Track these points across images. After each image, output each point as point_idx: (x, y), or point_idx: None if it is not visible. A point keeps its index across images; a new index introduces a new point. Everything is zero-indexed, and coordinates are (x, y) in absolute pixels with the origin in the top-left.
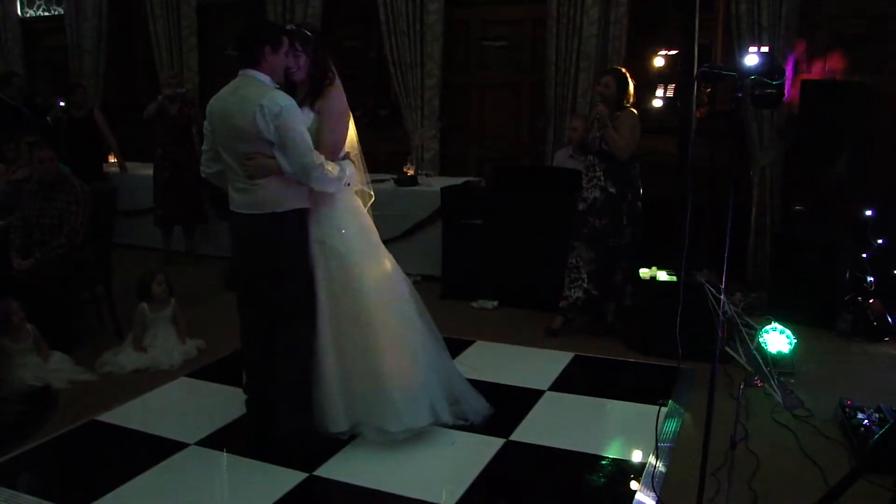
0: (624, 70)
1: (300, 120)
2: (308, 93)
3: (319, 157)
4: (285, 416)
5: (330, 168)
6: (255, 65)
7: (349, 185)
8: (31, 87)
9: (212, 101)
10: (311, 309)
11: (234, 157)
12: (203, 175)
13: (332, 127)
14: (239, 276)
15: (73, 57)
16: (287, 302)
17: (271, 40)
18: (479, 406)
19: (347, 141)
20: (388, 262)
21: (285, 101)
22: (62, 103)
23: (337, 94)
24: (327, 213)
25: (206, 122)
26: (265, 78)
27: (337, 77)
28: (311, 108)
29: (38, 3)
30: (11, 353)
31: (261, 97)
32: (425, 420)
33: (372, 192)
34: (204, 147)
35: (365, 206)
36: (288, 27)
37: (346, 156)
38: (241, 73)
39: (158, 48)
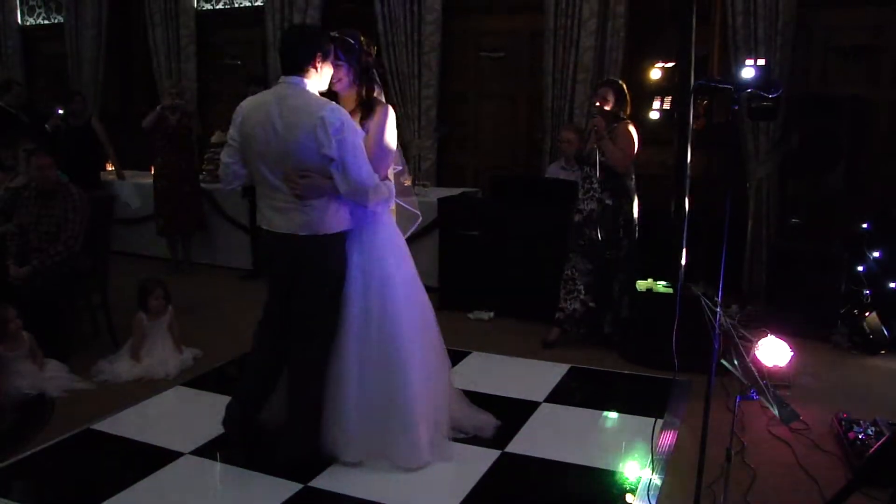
0: (621, 82)
1: (360, 136)
2: (357, 108)
3: (376, 177)
4: (294, 441)
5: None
6: (303, 73)
7: (390, 206)
8: (30, 94)
9: (246, 110)
10: (333, 333)
11: (277, 173)
12: (225, 189)
13: (381, 147)
14: (272, 293)
15: (72, 65)
16: (317, 324)
17: (323, 47)
18: (483, 422)
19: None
20: (422, 292)
21: (345, 114)
22: (60, 111)
23: (387, 112)
24: (371, 239)
25: (232, 133)
26: (313, 88)
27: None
28: (360, 124)
29: (38, 11)
30: (7, 361)
31: (320, 109)
32: (438, 455)
33: (419, 213)
34: (227, 160)
35: (408, 227)
36: (331, 34)
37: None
38: (284, 81)
39: (157, 56)
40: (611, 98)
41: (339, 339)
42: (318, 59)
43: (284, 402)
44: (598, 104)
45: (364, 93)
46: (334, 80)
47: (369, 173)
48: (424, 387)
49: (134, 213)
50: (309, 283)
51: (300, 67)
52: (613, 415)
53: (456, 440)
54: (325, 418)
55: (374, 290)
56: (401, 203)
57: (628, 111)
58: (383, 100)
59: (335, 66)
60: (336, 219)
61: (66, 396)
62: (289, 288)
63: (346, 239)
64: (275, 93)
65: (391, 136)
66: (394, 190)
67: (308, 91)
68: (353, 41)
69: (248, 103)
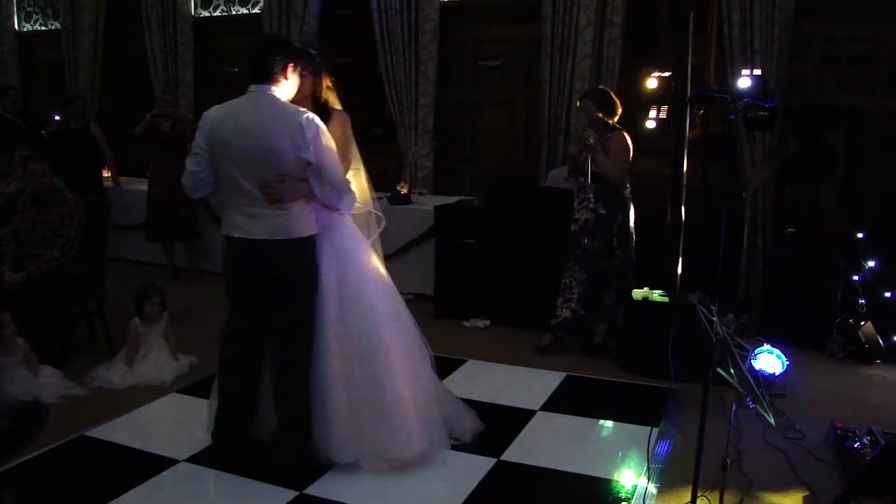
0: (603, 88)
1: (331, 140)
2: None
3: (348, 180)
4: (288, 448)
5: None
6: (273, 82)
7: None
8: (26, 100)
9: (215, 117)
10: (313, 335)
11: (252, 179)
12: (193, 198)
13: (345, 150)
14: (241, 304)
15: (69, 71)
16: (296, 329)
17: (293, 58)
18: (469, 424)
19: (354, 164)
20: (392, 286)
21: (319, 120)
22: (57, 117)
23: (343, 119)
24: (339, 241)
25: (199, 140)
26: (282, 96)
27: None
28: None
29: (35, 17)
30: (1, 367)
31: (297, 115)
32: (427, 446)
33: (382, 216)
34: (194, 168)
35: (373, 231)
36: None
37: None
38: (255, 89)
39: (154, 63)
40: (594, 109)
41: (320, 340)
42: (289, 69)
43: (268, 410)
44: (585, 118)
45: (321, 103)
46: (296, 90)
47: (342, 176)
48: (410, 377)
49: (130, 220)
50: (288, 288)
51: (273, 76)
52: (609, 423)
53: (451, 448)
54: (314, 421)
55: (348, 289)
56: (361, 206)
57: (617, 116)
58: (341, 110)
59: (302, 77)
60: (308, 222)
61: (60, 403)
62: (261, 296)
63: (315, 242)
64: (248, 100)
65: (347, 142)
66: (355, 193)
67: (280, 99)
68: (314, 53)
69: (216, 111)
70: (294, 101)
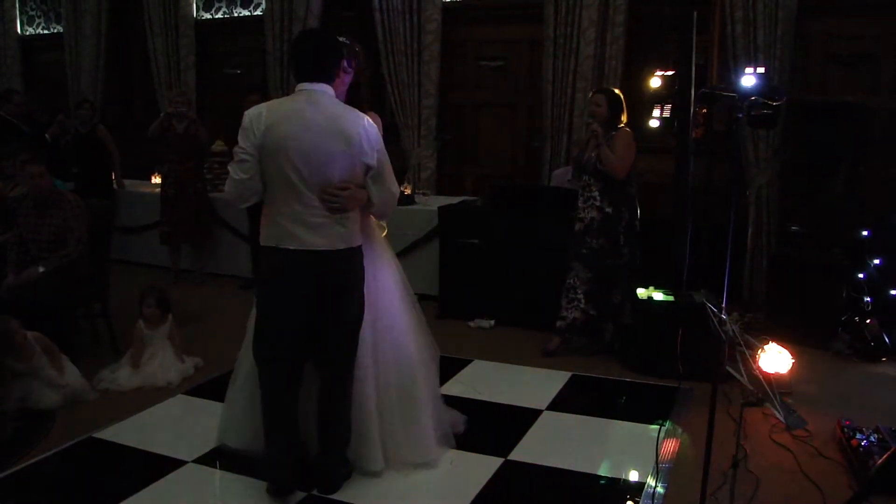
0: (616, 90)
1: None
2: None
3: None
4: (336, 470)
5: None
6: (330, 81)
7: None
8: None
9: (269, 118)
10: (356, 351)
11: (314, 186)
12: (244, 205)
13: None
14: (287, 320)
15: (71, 74)
16: (348, 344)
17: (343, 55)
18: (456, 418)
19: None
20: (411, 293)
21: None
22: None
23: (378, 120)
24: (371, 249)
25: (247, 146)
26: (335, 95)
27: None
28: None
29: (37, 20)
30: (24, 372)
31: (359, 118)
32: (439, 447)
33: (384, 225)
34: (241, 175)
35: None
36: (341, 40)
37: None
38: (311, 88)
39: (157, 66)
40: (604, 105)
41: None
42: (343, 66)
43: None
44: (592, 110)
45: (358, 101)
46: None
47: (395, 182)
48: (428, 381)
49: (134, 222)
50: (346, 299)
51: (328, 75)
52: (616, 422)
53: (458, 447)
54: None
55: (380, 297)
56: None
57: (624, 119)
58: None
59: (345, 74)
60: (358, 230)
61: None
62: (310, 311)
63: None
64: (306, 100)
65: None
66: None
67: (336, 99)
68: (357, 47)
69: (269, 112)
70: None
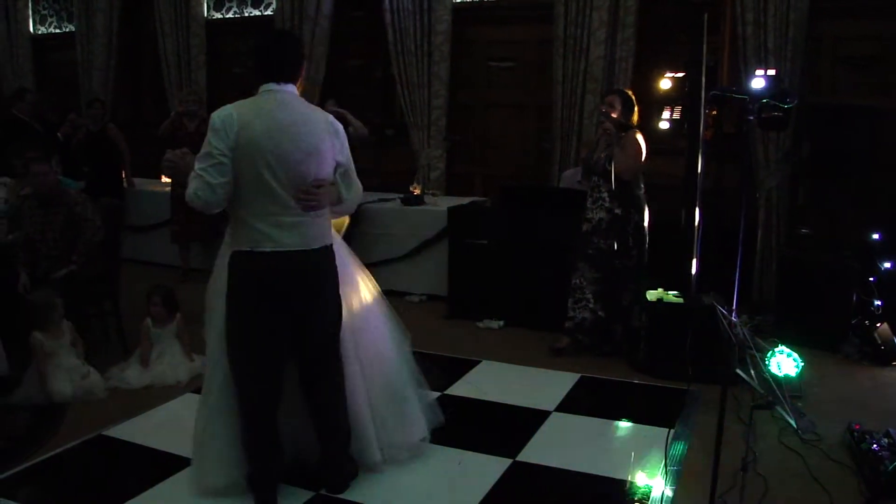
0: (629, 91)
1: None
2: None
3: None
4: (342, 468)
5: None
6: (295, 81)
7: None
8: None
9: (241, 119)
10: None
11: (288, 185)
12: (215, 211)
13: None
14: (266, 326)
15: (82, 73)
16: (334, 342)
17: (305, 56)
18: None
19: None
20: (368, 274)
21: None
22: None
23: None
24: (338, 246)
25: (221, 147)
26: None
27: None
28: None
29: (49, 20)
30: (52, 352)
31: (325, 115)
32: (427, 421)
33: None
34: (218, 179)
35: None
36: None
37: None
38: (276, 88)
39: (167, 65)
40: (618, 105)
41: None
42: (304, 67)
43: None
44: (604, 111)
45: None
46: None
47: (358, 179)
48: (406, 361)
49: (144, 221)
50: (325, 297)
51: (294, 75)
52: (624, 424)
53: (467, 448)
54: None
55: (350, 292)
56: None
57: (635, 120)
58: None
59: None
60: (330, 228)
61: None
62: (288, 314)
63: None
64: (272, 100)
65: None
66: None
67: (303, 99)
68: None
69: (239, 113)
70: None
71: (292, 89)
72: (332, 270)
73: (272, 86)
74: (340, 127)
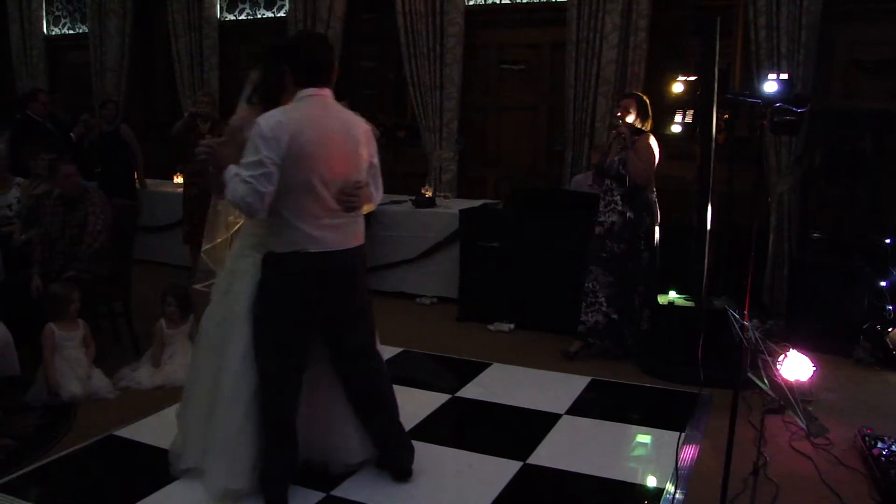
0: (644, 96)
1: None
2: None
3: None
4: (406, 453)
5: None
6: (331, 85)
7: None
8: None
9: (291, 126)
10: None
11: (332, 188)
12: (257, 217)
13: None
14: (304, 326)
15: (95, 74)
16: (372, 329)
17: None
18: None
19: None
20: None
21: None
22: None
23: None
24: None
25: (271, 155)
26: None
27: None
28: None
29: (63, 21)
30: (61, 343)
31: (360, 119)
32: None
33: None
34: (267, 188)
35: None
36: None
37: None
38: (316, 93)
39: (180, 67)
40: (633, 110)
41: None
42: (336, 71)
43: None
44: (619, 114)
45: None
46: None
47: None
48: None
49: (156, 221)
50: (361, 290)
51: (332, 79)
52: (635, 428)
53: (477, 451)
54: (329, 429)
55: None
56: None
57: (649, 125)
58: None
59: None
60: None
61: (88, 402)
62: (334, 309)
63: None
64: (315, 105)
65: None
66: None
67: (338, 103)
68: None
69: (286, 118)
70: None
71: (329, 93)
72: (365, 266)
73: (312, 91)
74: (371, 130)
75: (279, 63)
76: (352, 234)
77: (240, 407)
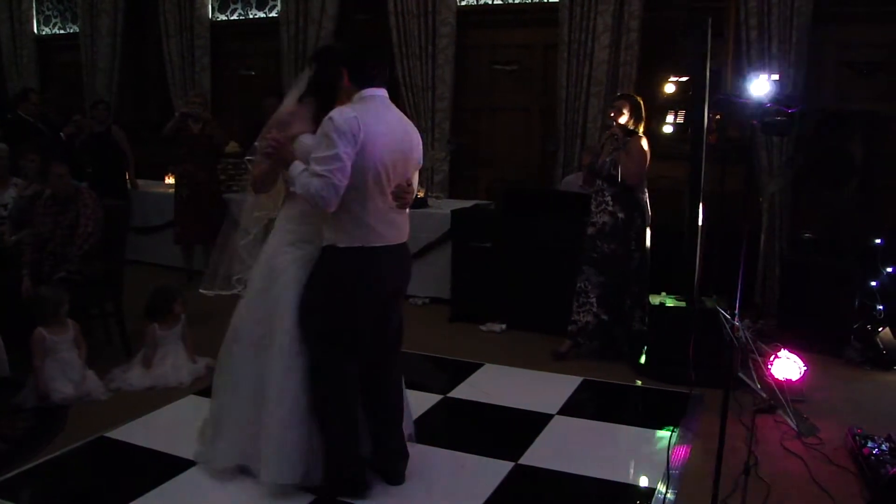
0: (637, 97)
1: None
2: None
3: None
4: (405, 458)
5: None
6: (387, 86)
7: None
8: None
9: (364, 122)
10: None
11: (392, 185)
12: (328, 211)
13: None
14: (366, 319)
15: (86, 74)
16: (401, 333)
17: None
18: None
19: None
20: None
21: None
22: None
23: None
24: None
25: (347, 150)
26: None
27: None
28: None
29: (53, 21)
30: (53, 347)
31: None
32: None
33: None
34: (343, 181)
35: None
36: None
37: None
38: (377, 94)
39: (171, 67)
40: (626, 111)
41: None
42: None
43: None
44: (612, 115)
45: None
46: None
47: None
48: None
49: (148, 222)
50: (405, 289)
51: (387, 80)
52: (626, 428)
53: (468, 452)
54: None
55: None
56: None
57: (642, 127)
58: None
59: None
60: None
61: (79, 403)
62: (387, 303)
63: None
64: (382, 105)
65: None
66: None
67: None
68: None
69: (359, 115)
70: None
71: (386, 94)
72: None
73: (374, 91)
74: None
75: (334, 63)
76: (405, 229)
77: (287, 402)
